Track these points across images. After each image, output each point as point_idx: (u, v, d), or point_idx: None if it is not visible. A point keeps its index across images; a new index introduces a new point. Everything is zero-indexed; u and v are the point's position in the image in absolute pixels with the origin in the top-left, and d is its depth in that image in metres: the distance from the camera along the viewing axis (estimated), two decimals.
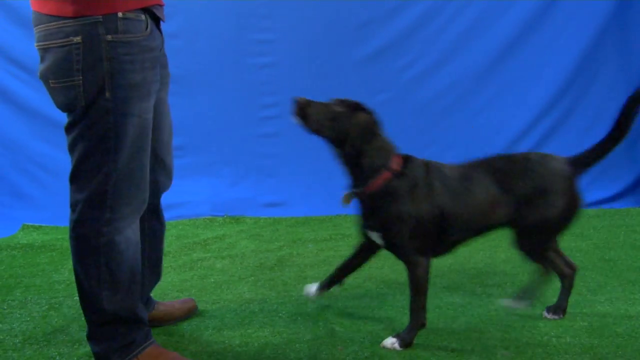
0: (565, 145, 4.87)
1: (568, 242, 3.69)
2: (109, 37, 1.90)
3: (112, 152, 1.98)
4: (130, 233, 2.12)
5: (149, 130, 2.10)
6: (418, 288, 2.40)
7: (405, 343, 2.37)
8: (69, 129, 2.00)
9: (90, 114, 1.94)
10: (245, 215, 4.75)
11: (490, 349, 2.35)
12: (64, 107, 1.98)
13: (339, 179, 4.96)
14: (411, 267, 2.40)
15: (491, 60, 4.97)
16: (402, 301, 2.87)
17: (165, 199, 4.85)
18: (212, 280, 3.31)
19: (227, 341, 2.51)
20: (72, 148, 2.01)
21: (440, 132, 5.03)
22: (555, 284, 2.68)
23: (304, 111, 2.44)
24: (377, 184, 2.38)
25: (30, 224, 4.44)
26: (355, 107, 2.46)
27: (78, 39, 1.88)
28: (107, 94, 1.93)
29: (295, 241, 4.06)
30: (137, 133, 2.03)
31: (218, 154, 5.03)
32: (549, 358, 2.25)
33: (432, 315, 2.69)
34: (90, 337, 2.15)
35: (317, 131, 2.45)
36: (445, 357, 2.29)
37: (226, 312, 2.82)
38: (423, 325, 2.41)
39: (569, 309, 2.67)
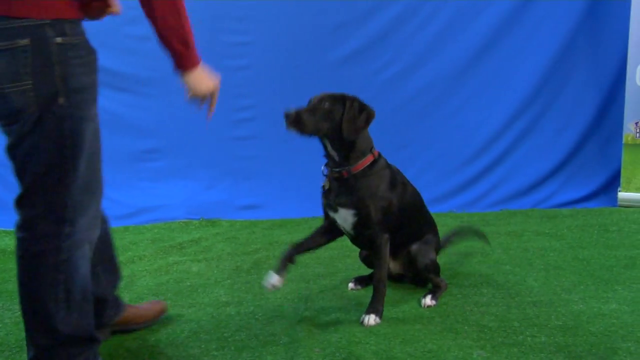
0: (538, 146, 4.94)
1: (542, 242, 3.73)
2: (59, 39, 1.81)
3: (71, 161, 1.89)
4: (87, 247, 2.04)
5: (100, 133, 2.03)
6: (384, 260, 2.71)
7: (380, 313, 2.64)
8: (16, 144, 1.85)
9: (45, 122, 1.82)
10: (221, 218, 4.73)
11: (466, 349, 2.36)
12: (9, 116, 1.83)
13: (315, 180, 4.98)
14: (379, 241, 2.68)
15: (466, 62, 5.00)
16: None
17: (141, 202, 4.86)
18: (188, 283, 3.29)
19: (203, 345, 2.49)
20: (23, 163, 1.87)
21: (416, 133, 5.05)
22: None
23: (298, 121, 2.55)
24: (364, 163, 2.67)
25: (2, 228, 4.38)
26: (342, 98, 2.67)
27: (25, 41, 1.77)
28: (61, 100, 1.83)
29: (272, 243, 4.05)
30: (92, 138, 1.96)
31: (193, 156, 5.01)
32: (524, 357, 2.27)
33: (408, 316, 2.70)
34: None
35: (315, 133, 2.62)
36: (422, 357, 2.30)
37: (202, 316, 2.80)
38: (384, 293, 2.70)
39: (543, 308, 2.70)
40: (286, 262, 2.69)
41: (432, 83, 5.04)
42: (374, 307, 2.65)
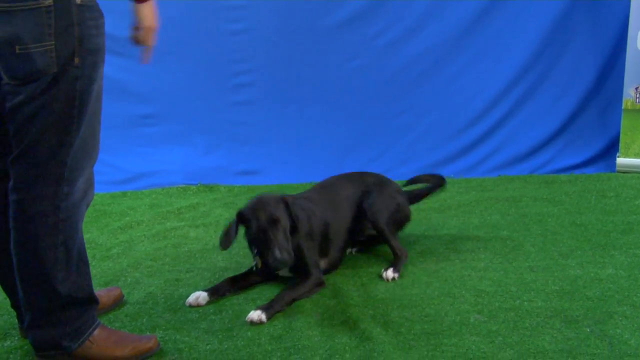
0: (537, 111, 4.91)
1: (540, 208, 3.74)
2: (78, 0, 1.84)
3: (76, 120, 1.90)
4: (84, 208, 2.05)
5: (102, 95, 2.04)
6: (305, 290, 2.63)
7: (271, 313, 2.44)
8: (25, 102, 1.85)
9: (60, 82, 1.85)
10: (219, 184, 4.72)
11: (463, 313, 2.37)
12: (28, 75, 1.83)
13: (313, 146, 4.98)
14: (310, 277, 2.68)
15: (465, 27, 4.94)
16: (375, 267, 2.89)
17: (139, 167, 4.84)
18: (186, 248, 3.29)
19: (201, 310, 2.51)
20: (28, 123, 1.86)
21: (414, 99, 5.01)
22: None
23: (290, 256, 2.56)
24: None
25: None
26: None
27: (49, 1, 1.79)
28: (77, 60, 1.86)
29: None
30: (95, 99, 1.97)
31: (191, 122, 4.98)
32: (521, 321, 2.28)
33: (406, 281, 2.71)
34: (34, 325, 2.02)
35: None
36: (419, 322, 2.31)
37: (200, 281, 2.82)
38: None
39: (541, 273, 2.71)
40: (219, 292, 2.64)
41: (430, 49, 4.98)
42: (272, 305, 2.47)
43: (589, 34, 4.89)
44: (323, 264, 2.84)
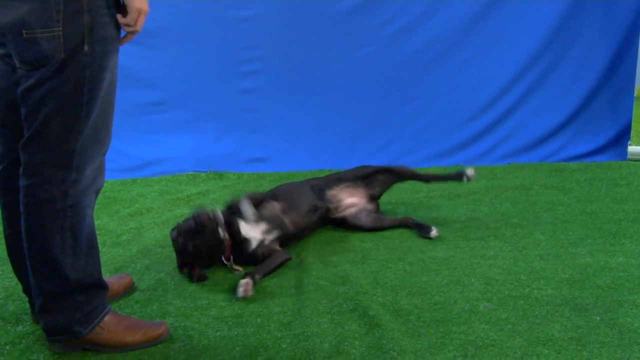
0: (548, 98, 4.88)
1: (550, 196, 3.72)
2: None
3: (85, 108, 1.90)
4: (93, 196, 2.06)
5: (116, 85, 2.04)
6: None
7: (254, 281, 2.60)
8: (35, 86, 1.86)
9: (68, 68, 1.85)
10: (228, 171, 4.73)
11: (472, 301, 2.37)
12: (36, 60, 1.83)
13: (321, 134, 4.97)
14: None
15: (474, 14, 4.91)
16: (385, 255, 2.89)
17: (148, 154, 4.86)
18: None
19: (211, 296, 2.52)
20: (37, 106, 1.87)
21: (423, 86, 4.99)
22: None
23: None
24: None
25: None
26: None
27: None
28: (86, 48, 1.85)
29: None
30: (108, 88, 1.97)
31: (200, 109, 4.98)
32: (531, 309, 2.28)
33: (415, 269, 2.71)
34: (44, 310, 2.04)
35: None
36: (429, 309, 2.31)
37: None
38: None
39: (550, 261, 2.70)
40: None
41: (439, 35, 4.95)
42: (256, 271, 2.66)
43: (601, 21, 4.85)
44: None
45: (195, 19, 4.82)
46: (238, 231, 2.83)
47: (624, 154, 4.69)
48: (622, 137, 4.80)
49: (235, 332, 2.22)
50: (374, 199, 3.38)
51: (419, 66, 4.99)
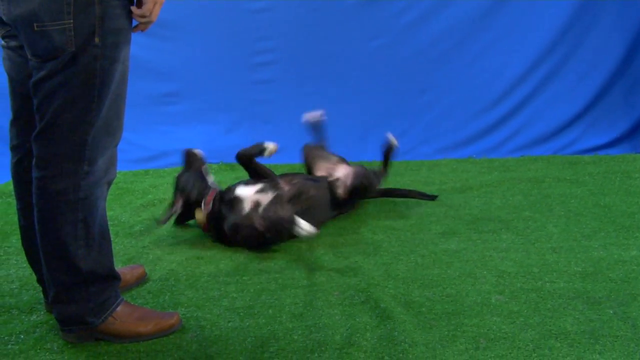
0: (562, 91, 4.85)
1: (563, 188, 3.70)
2: None
3: (96, 100, 1.90)
4: (105, 188, 2.07)
5: (128, 77, 2.04)
6: None
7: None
8: (46, 78, 1.86)
9: (78, 60, 1.84)
10: None
11: (484, 294, 2.37)
12: (47, 53, 1.83)
13: (333, 125, 4.96)
14: None
15: (488, 5, 4.88)
16: (397, 247, 2.89)
17: (161, 145, 4.87)
18: None
19: (222, 287, 2.53)
20: (48, 99, 1.87)
21: (436, 77, 4.97)
22: None
23: None
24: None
25: None
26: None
27: None
28: (97, 40, 1.84)
29: None
30: (120, 80, 1.97)
31: (213, 100, 4.98)
32: (543, 303, 2.28)
33: (427, 261, 2.70)
34: (57, 301, 2.05)
35: None
36: (440, 302, 2.31)
37: (222, 259, 2.83)
38: None
39: (563, 254, 2.69)
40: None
41: (453, 27, 4.92)
42: None
43: (616, 12, 4.81)
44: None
45: (208, 11, 4.82)
46: (231, 190, 3.01)
47: (638, 146, 4.66)
48: (636, 129, 4.77)
49: (247, 323, 2.22)
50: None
51: (431, 58, 4.97)
